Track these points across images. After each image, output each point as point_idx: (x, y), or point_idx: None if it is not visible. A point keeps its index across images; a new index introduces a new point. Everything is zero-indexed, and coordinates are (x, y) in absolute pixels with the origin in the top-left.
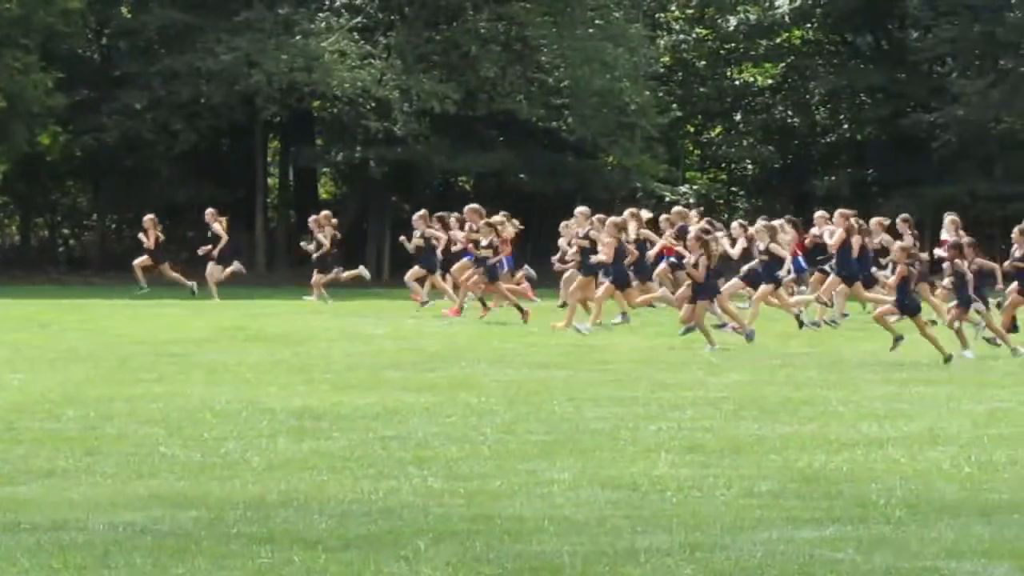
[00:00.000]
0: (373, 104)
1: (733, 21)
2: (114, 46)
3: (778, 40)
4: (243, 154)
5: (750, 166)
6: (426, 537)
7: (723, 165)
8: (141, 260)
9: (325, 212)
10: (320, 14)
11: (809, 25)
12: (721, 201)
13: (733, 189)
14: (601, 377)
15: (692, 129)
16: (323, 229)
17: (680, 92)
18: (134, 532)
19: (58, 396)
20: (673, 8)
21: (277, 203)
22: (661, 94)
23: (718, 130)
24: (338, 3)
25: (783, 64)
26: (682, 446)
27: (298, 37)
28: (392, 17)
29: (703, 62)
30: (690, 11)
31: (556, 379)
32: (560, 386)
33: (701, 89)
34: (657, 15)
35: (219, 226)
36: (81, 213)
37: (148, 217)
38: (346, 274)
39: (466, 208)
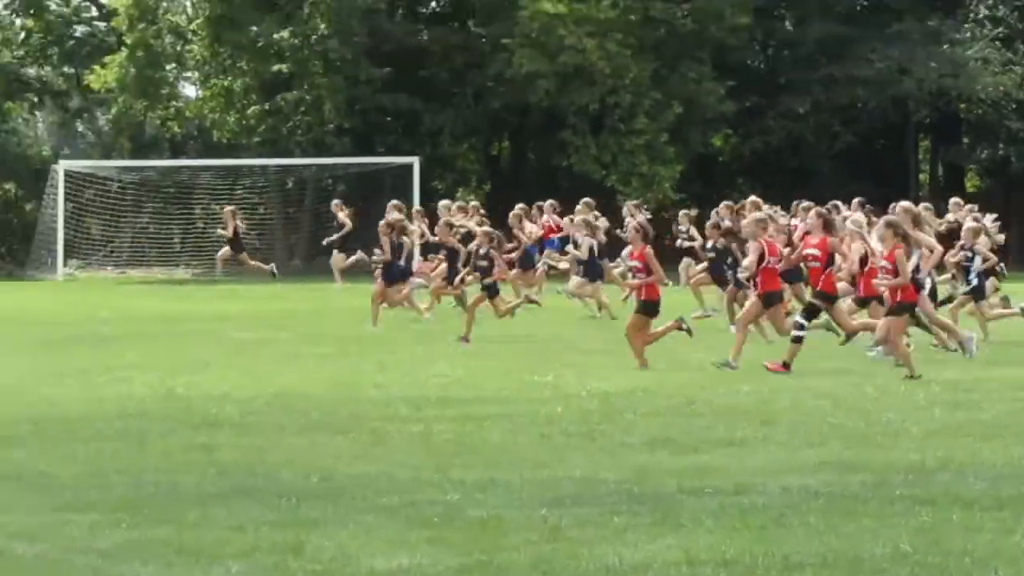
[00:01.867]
0: (1014, 106)
1: None
2: (778, 56)
3: None
4: (895, 153)
5: None
6: None
7: None
8: (223, 253)
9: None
10: (965, 25)
11: None
12: None
13: None
14: None
15: None
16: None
17: None
18: (807, 495)
19: (737, 375)
20: None
21: (928, 197)
22: None
23: None
24: (982, 15)
25: None
26: None
27: (945, 46)
28: None
29: None
30: None
31: None
32: None
33: None
34: None
35: (343, 215)
36: None
37: (228, 208)
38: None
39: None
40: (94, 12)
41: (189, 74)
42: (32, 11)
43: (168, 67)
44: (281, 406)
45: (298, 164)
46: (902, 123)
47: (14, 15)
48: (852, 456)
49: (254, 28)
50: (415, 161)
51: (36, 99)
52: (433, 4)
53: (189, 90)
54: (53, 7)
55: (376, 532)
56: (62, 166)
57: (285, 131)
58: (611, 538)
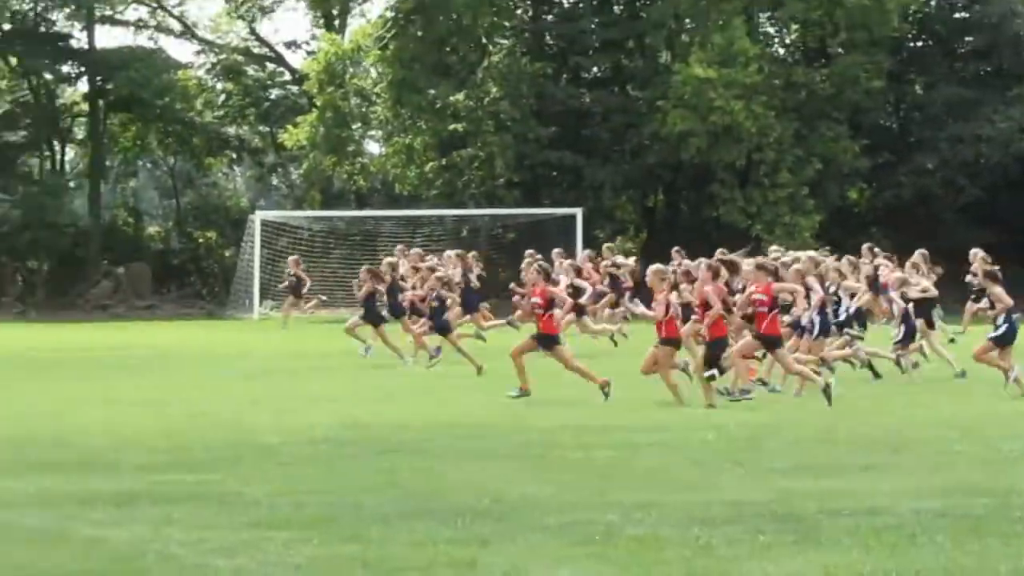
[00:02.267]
0: None
1: None
2: (909, 117)
3: None
4: (1016, 205)
5: None
6: None
7: None
8: (289, 302)
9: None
10: None
11: None
12: None
13: None
14: None
15: None
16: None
17: None
18: (935, 516)
19: (869, 408)
20: None
21: None
22: None
23: None
24: None
25: None
26: None
27: None
28: None
29: None
30: None
31: None
32: None
33: None
34: None
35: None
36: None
37: (292, 258)
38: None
39: None
40: (287, 76)
41: (373, 133)
42: (231, 76)
43: (354, 126)
44: (455, 434)
45: (472, 215)
46: (1021, 178)
47: (216, 79)
48: (976, 481)
49: (432, 91)
50: (578, 212)
51: (235, 155)
52: (595, 70)
53: (373, 147)
54: (250, 72)
55: (542, 549)
56: (258, 216)
57: (460, 184)
58: (757, 555)
